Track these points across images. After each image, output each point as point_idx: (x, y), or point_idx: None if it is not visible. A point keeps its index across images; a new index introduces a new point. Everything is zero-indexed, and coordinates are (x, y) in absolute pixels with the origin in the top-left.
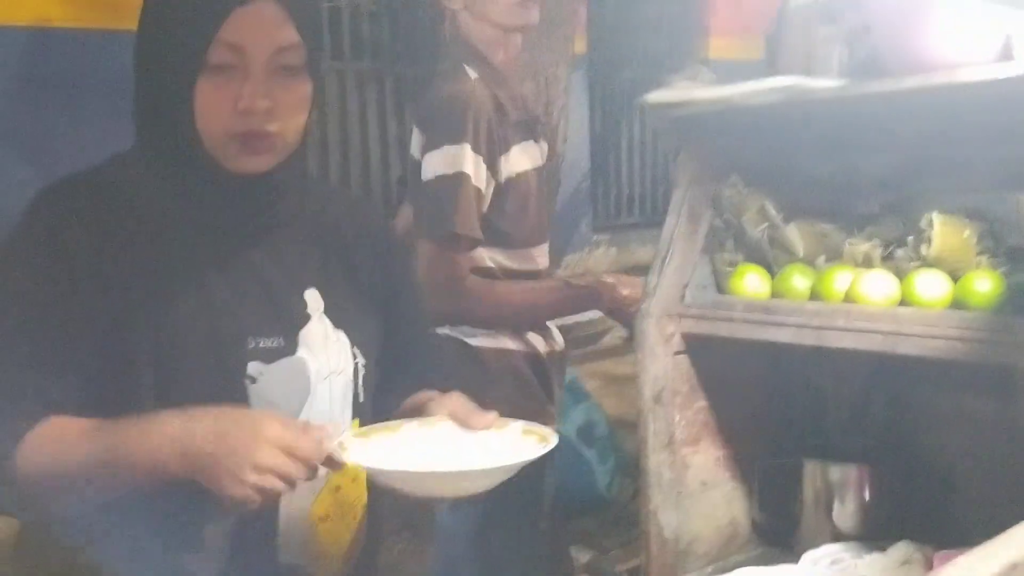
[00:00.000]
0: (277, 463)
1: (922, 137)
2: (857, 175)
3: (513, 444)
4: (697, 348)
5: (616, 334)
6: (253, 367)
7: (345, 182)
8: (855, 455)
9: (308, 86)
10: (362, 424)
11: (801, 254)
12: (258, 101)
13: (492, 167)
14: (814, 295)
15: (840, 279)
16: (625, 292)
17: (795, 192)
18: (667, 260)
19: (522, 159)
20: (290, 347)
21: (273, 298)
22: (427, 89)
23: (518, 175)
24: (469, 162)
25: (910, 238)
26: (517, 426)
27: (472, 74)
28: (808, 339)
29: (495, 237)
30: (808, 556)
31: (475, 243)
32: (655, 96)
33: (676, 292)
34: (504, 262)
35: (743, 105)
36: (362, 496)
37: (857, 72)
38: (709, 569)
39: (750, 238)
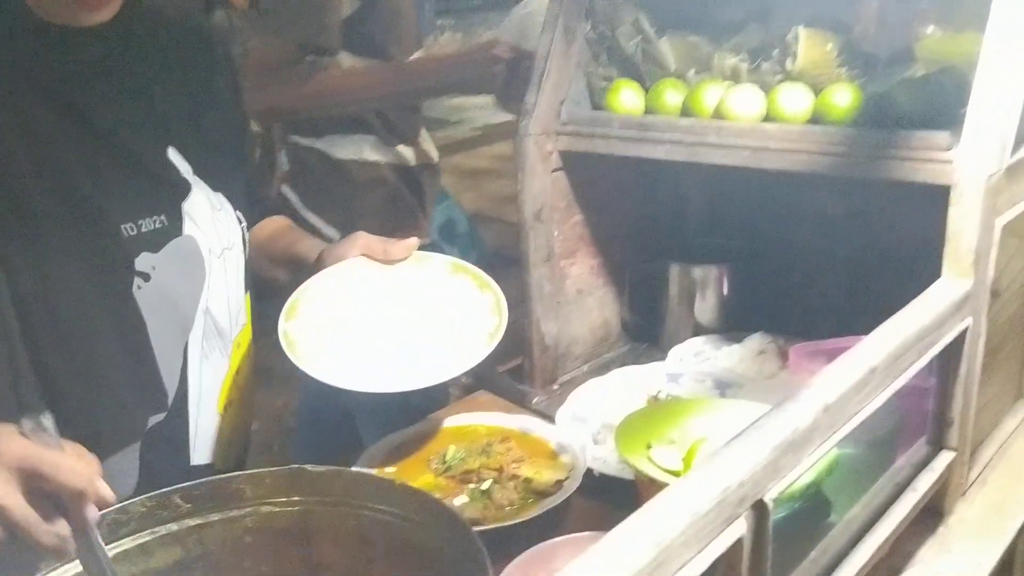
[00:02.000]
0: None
1: None
2: None
3: (452, 296)
4: (573, 165)
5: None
6: (143, 260)
7: None
8: (718, 257)
9: None
10: (252, 297)
11: (673, 68)
12: None
13: None
14: (685, 110)
15: (710, 94)
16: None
17: (666, 2)
18: (544, 78)
19: None
20: (175, 226)
21: (141, 167)
22: None
23: None
24: None
25: (775, 51)
26: (442, 262)
27: None
28: (681, 155)
29: (363, 44)
30: (674, 352)
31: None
32: None
33: (553, 110)
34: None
35: None
36: (251, 374)
37: None
38: (585, 368)
39: (624, 52)
